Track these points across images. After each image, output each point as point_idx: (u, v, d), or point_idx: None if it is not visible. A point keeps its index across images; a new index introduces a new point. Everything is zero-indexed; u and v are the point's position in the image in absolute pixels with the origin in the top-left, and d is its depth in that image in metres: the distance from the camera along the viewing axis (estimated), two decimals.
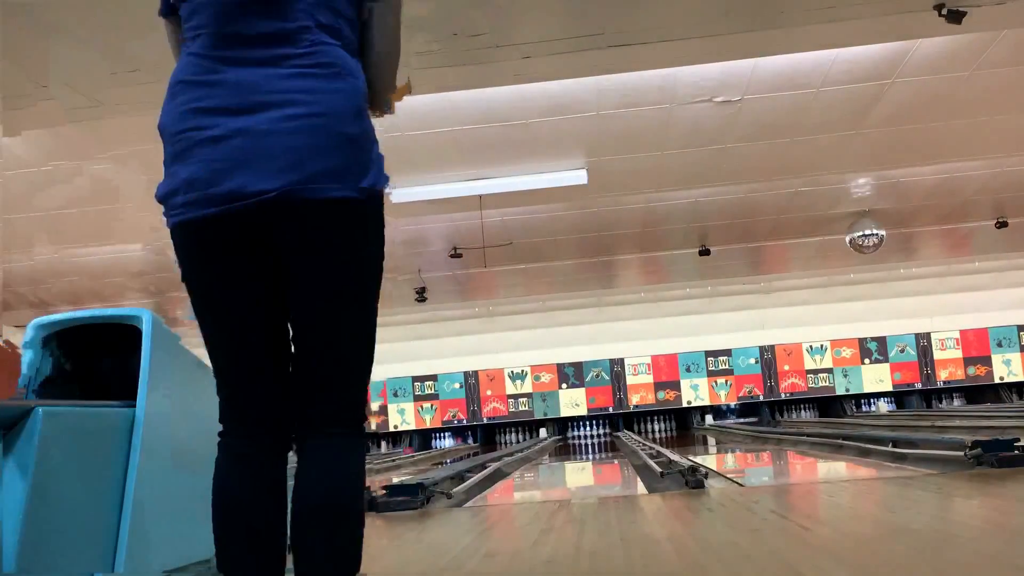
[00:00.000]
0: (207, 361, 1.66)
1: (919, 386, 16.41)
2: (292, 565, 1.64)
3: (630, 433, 15.87)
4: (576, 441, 16.60)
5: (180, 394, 2.53)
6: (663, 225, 10.61)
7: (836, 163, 8.49)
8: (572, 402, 16.71)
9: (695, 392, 16.59)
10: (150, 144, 7.20)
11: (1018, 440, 5.27)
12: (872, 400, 16.96)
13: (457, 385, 16.86)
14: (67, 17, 4.53)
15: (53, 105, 5.56)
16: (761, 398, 16.55)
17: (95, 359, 2.65)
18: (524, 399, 16.75)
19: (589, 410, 16.72)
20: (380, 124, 6.75)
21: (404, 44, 5.45)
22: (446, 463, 11.64)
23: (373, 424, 16.86)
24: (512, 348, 16.38)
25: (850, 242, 11.05)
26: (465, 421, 16.87)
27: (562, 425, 17.12)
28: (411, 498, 5.42)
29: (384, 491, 5.64)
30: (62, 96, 5.43)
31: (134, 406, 2.29)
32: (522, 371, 16.78)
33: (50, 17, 4.51)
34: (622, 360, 16.64)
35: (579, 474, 9.89)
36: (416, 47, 5.00)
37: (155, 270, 10.97)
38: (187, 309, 1.74)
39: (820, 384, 16.50)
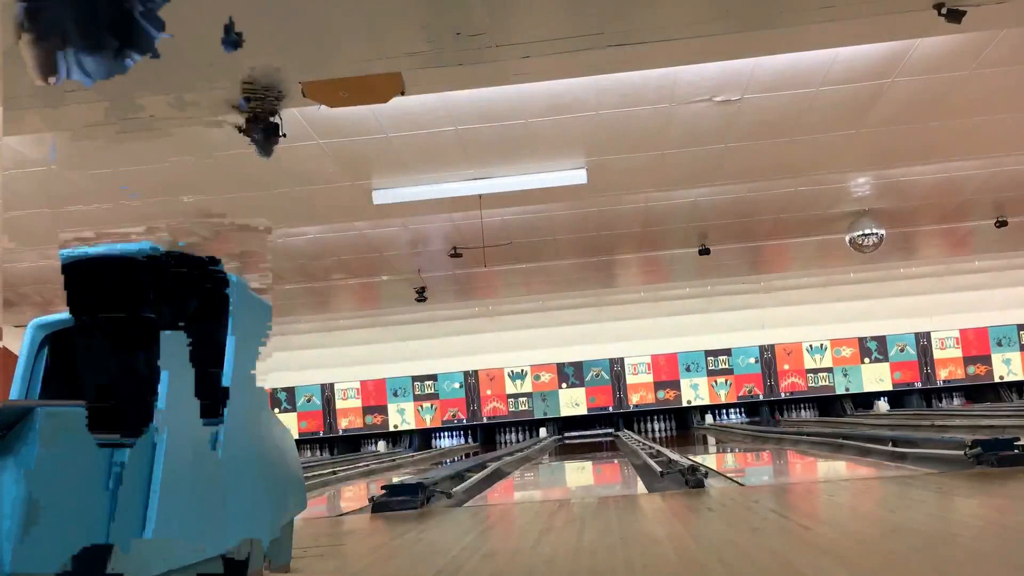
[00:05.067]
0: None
1: (919, 385, 16.41)
2: None
3: (630, 433, 15.87)
4: (579, 440, 16.61)
5: (181, 394, 2.53)
6: (663, 225, 10.61)
7: (836, 163, 8.48)
8: (572, 402, 16.71)
9: (695, 392, 16.59)
10: (157, 146, 7.11)
11: (1018, 440, 5.28)
12: (872, 399, 16.96)
13: (457, 385, 16.86)
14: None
15: (67, 109, 5.57)
16: (761, 397, 16.55)
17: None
18: (524, 399, 16.75)
19: (589, 410, 16.73)
20: (382, 123, 6.78)
21: (403, 44, 5.42)
22: (445, 462, 11.64)
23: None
24: (512, 348, 16.38)
25: (850, 241, 11.05)
26: (465, 421, 16.87)
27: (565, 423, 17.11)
28: (411, 498, 5.43)
29: (384, 491, 5.64)
30: (80, 101, 5.43)
31: None
32: (522, 371, 16.78)
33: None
34: (622, 360, 16.64)
35: (579, 473, 9.90)
36: (415, 47, 5.00)
37: None
38: None
39: (820, 383, 16.50)
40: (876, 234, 10.83)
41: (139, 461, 2.21)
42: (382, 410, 17.04)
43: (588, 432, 17.06)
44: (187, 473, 2.41)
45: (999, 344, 16.28)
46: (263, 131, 5.83)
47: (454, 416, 16.87)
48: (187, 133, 6.65)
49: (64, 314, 2.53)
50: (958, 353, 16.34)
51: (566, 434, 17.07)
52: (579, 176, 7.97)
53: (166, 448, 2.25)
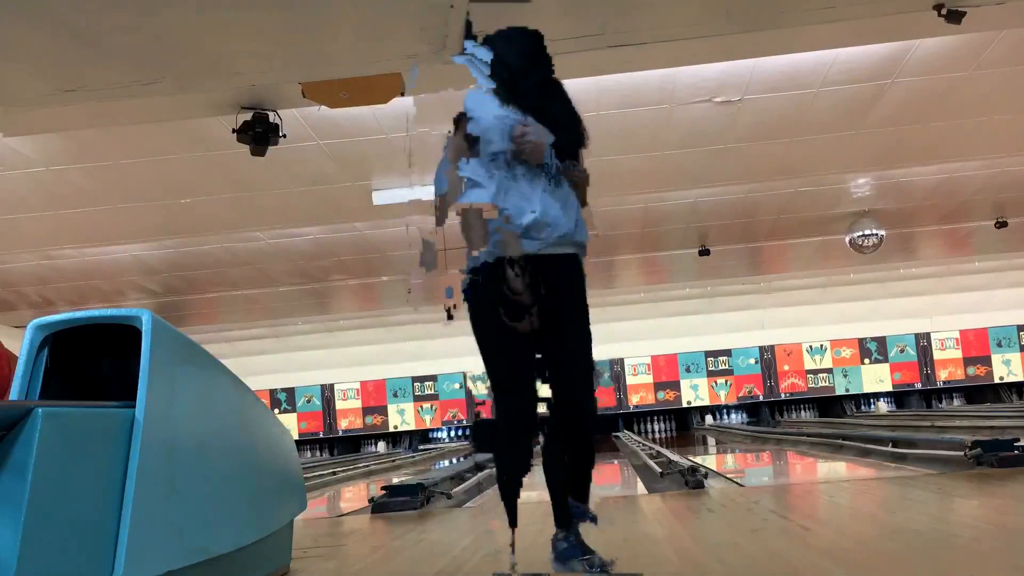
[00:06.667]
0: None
1: (919, 386, 16.42)
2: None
3: (630, 433, 15.86)
4: None
5: (181, 395, 2.53)
6: (663, 225, 10.61)
7: (836, 163, 8.48)
8: None
9: (695, 392, 16.59)
10: (157, 146, 7.11)
11: (1018, 440, 5.28)
12: (872, 400, 16.97)
13: (457, 386, 16.86)
14: (90, 25, 4.52)
15: (67, 109, 5.57)
16: (761, 398, 16.55)
17: (95, 359, 2.65)
18: None
19: None
20: (382, 123, 6.77)
21: (403, 44, 5.40)
22: (445, 463, 11.64)
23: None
24: None
25: (850, 242, 11.04)
26: (465, 421, 16.87)
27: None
28: (411, 498, 5.42)
29: (384, 492, 5.64)
30: (80, 101, 5.43)
31: (134, 407, 2.29)
32: None
33: (73, 24, 4.51)
34: (622, 360, 16.64)
35: None
36: (415, 47, 5.00)
37: (164, 269, 10.97)
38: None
39: (820, 384, 16.50)
40: (876, 235, 10.82)
41: (118, 463, 2.21)
42: (382, 411, 17.04)
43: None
44: (172, 475, 2.40)
45: (999, 345, 16.28)
46: (258, 131, 5.83)
47: (454, 417, 16.87)
48: (186, 133, 6.65)
49: (64, 315, 2.53)
50: (958, 354, 16.34)
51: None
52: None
53: (146, 450, 2.25)
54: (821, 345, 16.51)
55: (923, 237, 12.40)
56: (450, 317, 2.78)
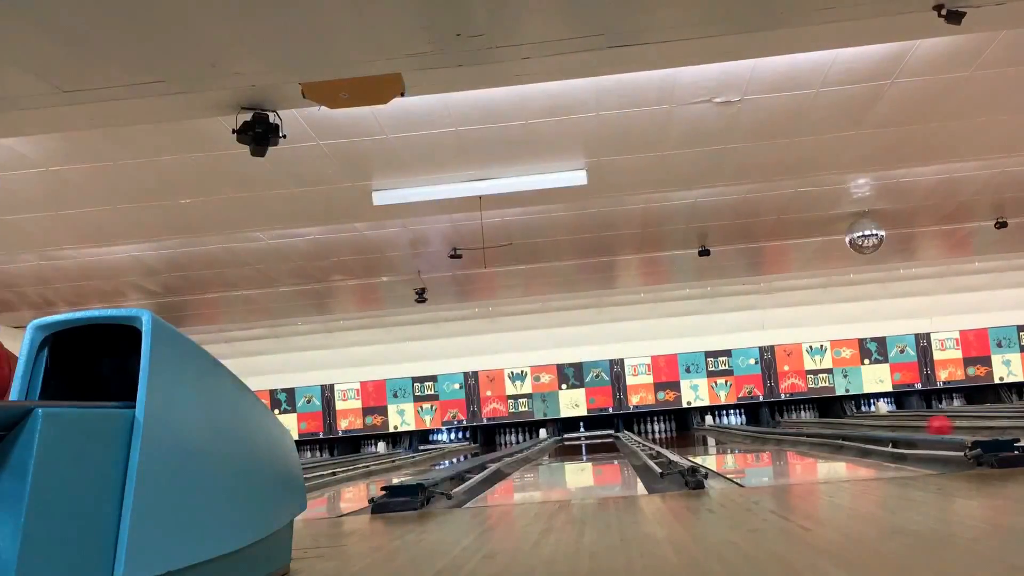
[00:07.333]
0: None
1: (919, 386, 16.42)
2: None
3: (630, 434, 15.86)
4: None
5: (181, 395, 2.53)
6: (663, 225, 10.61)
7: (836, 163, 8.48)
8: (572, 403, 16.70)
9: (695, 392, 16.59)
10: (157, 146, 7.12)
11: (1018, 440, 5.28)
12: (872, 400, 16.97)
13: (457, 386, 16.86)
14: (88, 26, 4.52)
15: (67, 110, 5.57)
16: (761, 398, 16.55)
17: (95, 360, 2.64)
18: (524, 400, 16.75)
19: (589, 411, 16.73)
20: (382, 124, 6.83)
21: (404, 45, 5.45)
22: (444, 463, 11.63)
23: None
24: (512, 348, 16.38)
25: (850, 242, 11.05)
26: (465, 422, 16.87)
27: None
28: (411, 499, 5.42)
29: (384, 492, 5.64)
30: (79, 102, 5.43)
31: (134, 407, 2.29)
32: (522, 372, 16.77)
33: (73, 25, 4.51)
34: (622, 360, 16.64)
35: (579, 474, 9.89)
36: (415, 47, 5.00)
37: (164, 269, 10.97)
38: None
39: (820, 384, 16.50)
40: (876, 235, 10.82)
41: (118, 463, 2.21)
42: (382, 411, 17.04)
43: (588, 433, 17.07)
44: (172, 476, 2.40)
45: (999, 345, 16.28)
46: (258, 132, 5.83)
47: (454, 417, 16.87)
48: (186, 133, 6.65)
49: (64, 315, 2.53)
50: (958, 354, 16.34)
51: (566, 435, 17.08)
52: (579, 177, 7.96)
53: (146, 450, 2.25)
54: (821, 345, 16.51)
55: (923, 237, 12.41)
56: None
